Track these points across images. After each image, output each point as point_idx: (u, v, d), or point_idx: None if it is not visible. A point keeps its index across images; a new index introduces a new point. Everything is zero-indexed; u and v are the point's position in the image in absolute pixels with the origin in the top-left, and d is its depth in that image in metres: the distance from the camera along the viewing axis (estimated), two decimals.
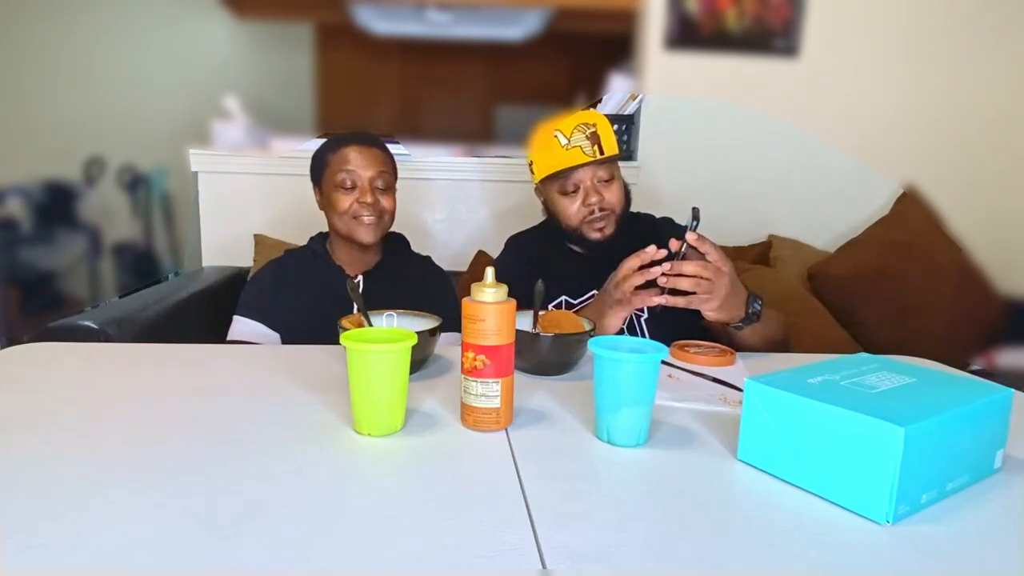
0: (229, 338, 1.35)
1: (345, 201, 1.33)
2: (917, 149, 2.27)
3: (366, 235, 1.34)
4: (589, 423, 0.79)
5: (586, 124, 1.27)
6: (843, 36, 2.21)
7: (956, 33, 2.21)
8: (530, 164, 1.35)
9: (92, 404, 0.83)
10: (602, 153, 1.27)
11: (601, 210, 1.30)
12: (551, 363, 0.99)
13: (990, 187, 2.23)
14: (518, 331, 0.84)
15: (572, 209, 1.32)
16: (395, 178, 1.40)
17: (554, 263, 1.38)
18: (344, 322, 1.01)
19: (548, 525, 0.56)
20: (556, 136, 1.27)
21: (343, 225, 1.35)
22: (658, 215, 1.50)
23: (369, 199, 1.32)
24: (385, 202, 1.35)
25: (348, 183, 1.32)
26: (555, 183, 1.31)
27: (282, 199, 2.17)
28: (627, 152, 2.22)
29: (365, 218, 1.33)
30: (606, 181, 1.31)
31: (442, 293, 1.44)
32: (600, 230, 1.32)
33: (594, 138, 1.26)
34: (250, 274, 1.81)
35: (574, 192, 1.31)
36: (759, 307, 1.14)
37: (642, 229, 1.41)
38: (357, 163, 1.33)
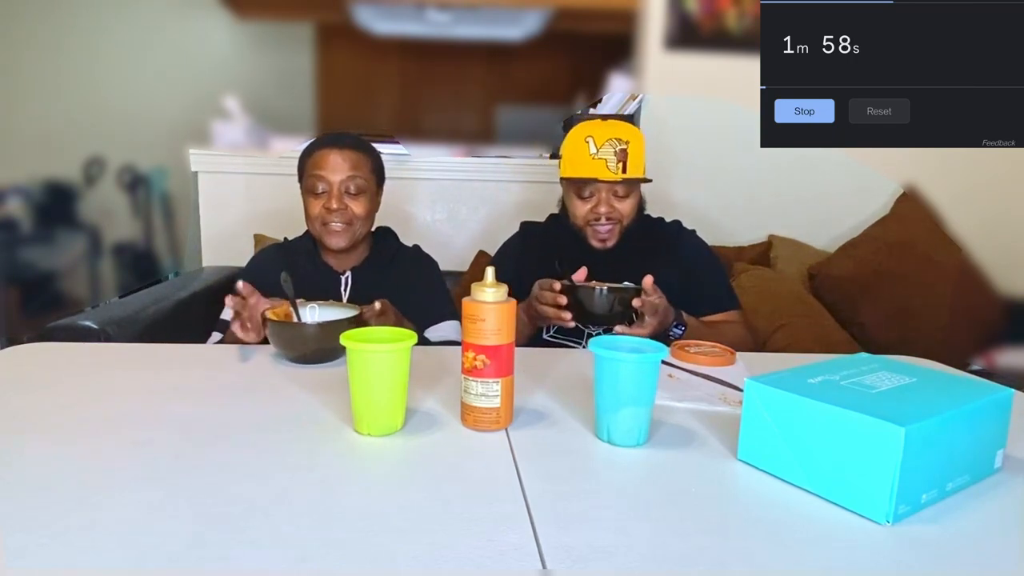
0: (222, 316, 1.35)
1: (314, 207, 1.32)
2: (917, 149, 2.26)
3: (335, 241, 1.32)
4: (589, 423, 0.79)
5: (619, 139, 1.30)
6: None
7: None
8: (560, 158, 1.40)
9: (92, 404, 0.83)
10: (624, 172, 1.30)
11: (608, 219, 1.34)
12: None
13: (990, 187, 2.22)
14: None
15: (582, 211, 1.36)
16: (379, 179, 1.38)
17: (560, 249, 1.43)
18: (270, 313, 1.03)
19: (548, 525, 0.56)
20: (587, 142, 1.30)
21: (314, 231, 1.35)
22: (655, 215, 1.51)
23: (335, 205, 1.29)
24: (355, 207, 1.32)
25: (318, 188, 1.31)
26: (573, 184, 1.35)
27: (282, 199, 2.17)
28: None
29: (333, 224, 1.31)
30: (621, 196, 1.35)
31: (429, 281, 1.44)
32: (602, 240, 1.37)
33: (622, 155, 1.30)
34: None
35: (588, 197, 1.35)
36: (680, 333, 1.25)
37: (649, 233, 1.44)
38: (326, 167, 1.30)
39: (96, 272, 2.32)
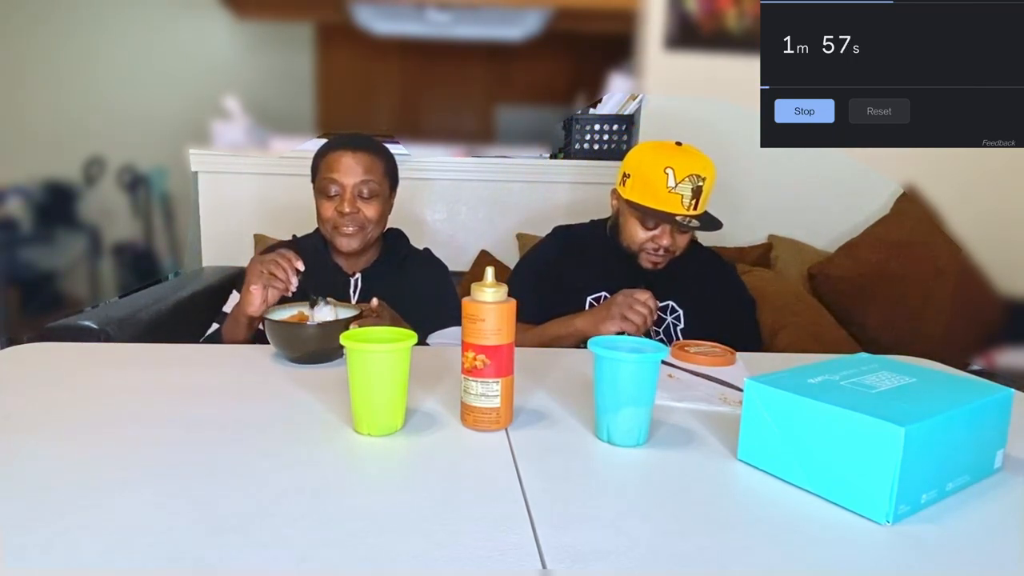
0: (225, 308, 1.35)
1: (326, 209, 1.31)
2: (917, 149, 2.27)
3: (346, 244, 1.32)
4: (589, 423, 0.79)
5: (698, 176, 1.25)
6: None
7: None
8: (625, 174, 1.34)
9: (92, 404, 0.83)
10: (696, 209, 1.27)
11: (667, 250, 1.32)
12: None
13: (990, 187, 2.22)
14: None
15: (640, 237, 1.33)
16: (392, 182, 1.38)
17: (596, 258, 1.41)
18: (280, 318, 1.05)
19: (548, 525, 0.56)
20: (667, 173, 1.25)
21: (325, 232, 1.35)
22: None
23: (347, 208, 1.29)
24: (368, 211, 1.31)
25: (332, 191, 1.30)
26: (639, 210, 1.31)
27: (282, 199, 2.17)
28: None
29: (344, 228, 1.31)
30: (683, 231, 1.33)
31: (439, 286, 1.43)
32: (654, 264, 1.35)
33: (697, 192, 1.26)
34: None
35: (653, 227, 1.32)
36: None
37: (692, 257, 1.43)
38: (341, 170, 1.30)
39: (96, 272, 2.32)
